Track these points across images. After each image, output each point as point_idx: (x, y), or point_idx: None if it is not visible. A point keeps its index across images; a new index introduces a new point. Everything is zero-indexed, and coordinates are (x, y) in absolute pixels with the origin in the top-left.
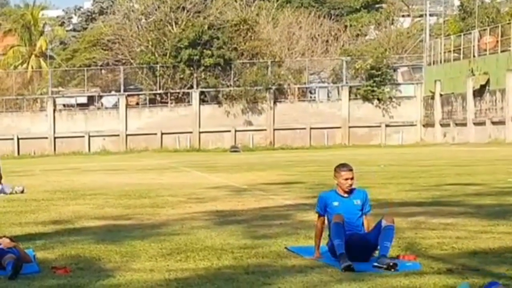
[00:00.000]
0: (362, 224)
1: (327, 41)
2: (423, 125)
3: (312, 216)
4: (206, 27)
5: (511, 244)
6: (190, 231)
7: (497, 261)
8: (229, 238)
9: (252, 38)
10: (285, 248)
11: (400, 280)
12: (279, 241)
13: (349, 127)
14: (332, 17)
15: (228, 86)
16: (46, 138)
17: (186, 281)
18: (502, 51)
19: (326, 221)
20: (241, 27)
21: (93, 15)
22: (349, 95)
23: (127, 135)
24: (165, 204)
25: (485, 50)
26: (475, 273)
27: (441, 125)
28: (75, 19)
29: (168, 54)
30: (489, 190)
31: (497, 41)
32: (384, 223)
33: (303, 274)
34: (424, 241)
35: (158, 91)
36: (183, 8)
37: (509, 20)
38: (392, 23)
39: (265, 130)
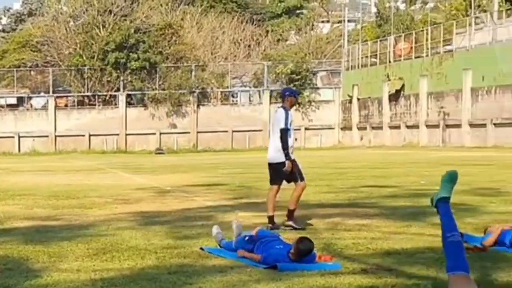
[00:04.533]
0: None
1: (249, 45)
2: (341, 128)
3: (232, 217)
4: (132, 30)
5: (423, 245)
6: (116, 231)
7: (409, 261)
8: (153, 239)
9: (177, 42)
10: (201, 248)
11: (317, 280)
12: (201, 241)
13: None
14: (254, 22)
15: (153, 89)
16: None
17: (111, 281)
18: (416, 57)
19: None
20: (166, 31)
21: (22, 17)
22: (270, 99)
23: (56, 136)
24: (93, 205)
25: (400, 56)
26: (389, 273)
27: (358, 128)
28: (4, 20)
29: (95, 57)
30: (403, 192)
31: (411, 48)
32: None
33: (223, 274)
34: (340, 241)
35: (86, 93)
36: (110, 12)
37: (423, 27)
38: (312, 29)
39: (189, 133)
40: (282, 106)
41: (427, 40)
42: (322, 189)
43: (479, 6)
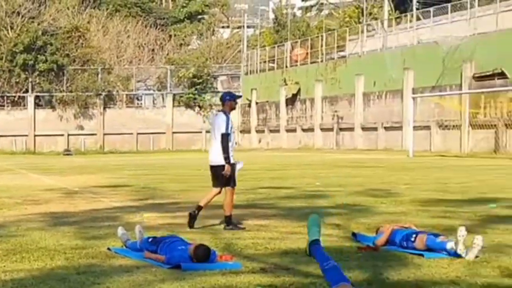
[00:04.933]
0: None
1: (153, 49)
2: (241, 131)
3: (137, 218)
4: (40, 32)
5: (340, 245)
6: (25, 232)
7: (306, 260)
8: (62, 239)
9: (84, 45)
10: (108, 249)
11: (218, 279)
12: (108, 242)
13: (173, 132)
14: (158, 27)
15: (61, 91)
16: None
17: (21, 282)
18: (311, 63)
19: None
20: (73, 34)
21: None
22: (173, 102)
23: None
24: (2, 205)
25: (297, 61)
26: (286, 272)
27: (256, 131)
28: None
29: (4, 58)
30: (299, 193)
31: (307, 53)
32: None
33: (129, 274)
34: (239, 241)
35: None
36: (18, 13)
37: (318, 33)
38: (213, 34)
39: (96, 134)
40: (222, 110)
41: (322, 46)
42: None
43: (370, 14)
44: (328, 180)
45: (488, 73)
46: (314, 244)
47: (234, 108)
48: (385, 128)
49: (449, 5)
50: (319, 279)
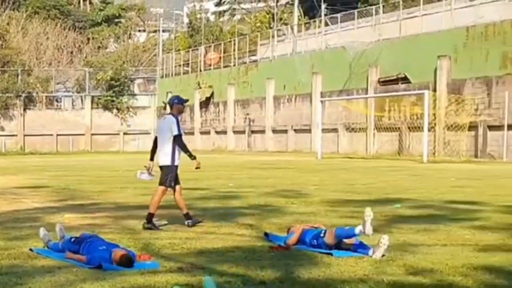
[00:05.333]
0: None
1: (71, 52)
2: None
3: (58, 219)
4: None
5: (232, 244)
6: None
7: (221, 259)
8: None
9: (3, 46)
10: (30, 249)
11: (137, 279)
12: (30, 242)
13: (92, 134)
14: (76, 30)
15: None
16: None
17: None
18: (224, 67)
19: None
20: None
21: None
22: (92, 104)
23: None
24: None
25: (210, 65)
26: (202, 271)
27: None
28: None
29: None
30: (213, 194)
31: (220, 57)
32: None
33: (51, 274)
34: (157, 241)
35: None
36: None
37: (231, 38)
38: (130, 37)
39: (16, 135)
40: (170, 113)
41: (234, 50)
42: (141, 192)
43: (281, 19)
44: (240, 181)
45: (392, 78)
46: None
47: (182, 111)
48: (295, 130)
49: (355, 11)
50: (233, 278)
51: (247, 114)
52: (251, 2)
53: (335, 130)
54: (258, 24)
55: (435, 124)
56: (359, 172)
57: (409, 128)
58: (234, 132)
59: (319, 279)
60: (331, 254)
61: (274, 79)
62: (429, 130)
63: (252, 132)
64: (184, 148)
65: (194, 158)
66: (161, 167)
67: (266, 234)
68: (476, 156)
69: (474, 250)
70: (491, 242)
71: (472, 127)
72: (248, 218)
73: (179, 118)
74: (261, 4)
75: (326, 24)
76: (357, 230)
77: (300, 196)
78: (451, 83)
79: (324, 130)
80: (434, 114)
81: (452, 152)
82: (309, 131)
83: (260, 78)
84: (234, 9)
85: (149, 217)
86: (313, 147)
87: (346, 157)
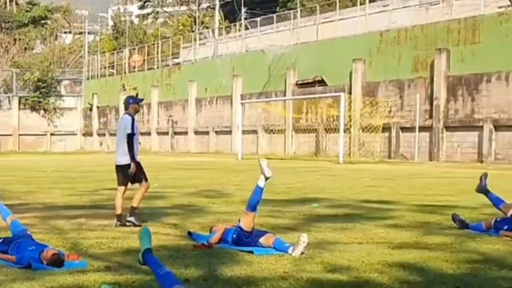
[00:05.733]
0: None
1: None
2: (83, 134)
3: None
4: None
5: (157, 243)
6: None
7: None
8: None
9: None
10: None
11: (66, 278)
12: None
13: (19, 135)
14: (3, 30)
15: None
16: None
17: None
18: (148, 69)
19: None
20: None
21: None
22: (19, 105)
23: None
24: None
25: (134, 67)
26: (129, 270)
27: (98, 134)
28: None
29: None
30: None
31: (144, 60)
32: None
33: None
34: (85, 241)
35: None
36: None
37: (154, 41)
38: (56, 39)
39: None
40: (127, 113)
41: (158, 53)
42: (68, 192)
43: (202, 23)
44: (164, 181)
45: (309, 81)
46: (147, 253)
47: (138, 111)
48: (216, 132)
49: (274, 15)
50: None
51: (170, 116)
52: (174, 6)
53: (254, 131)
54: (180, 28)
55: (350, 125)
56: (278, 172)
57: (325, 129)
58: (158, 133)
59: (240, 277)
60: (252, 252)
61: (196, 82)
62: (344, 132)
63: (175, 133)
64: (131, 148)
65: (133, 161)
66: (121, 166)
67: (189, 233)
68: (389, 156)
69: (388, 247)
70: (404, 240)
71: (386, 128)
72: (172, 217)
73: (136, 118)
74: (183, 8)
75: (246, 28)
76: (290, 249)
77: (221, 196)
78: (365, 86)
79: (244, 132)
80: (350, 116)
81: (366, 153)
82: (229, 132)
83: (182, 80)
84: (157, 12)
85: (132, 211)
86: (234, 148)
87: (265, 157)
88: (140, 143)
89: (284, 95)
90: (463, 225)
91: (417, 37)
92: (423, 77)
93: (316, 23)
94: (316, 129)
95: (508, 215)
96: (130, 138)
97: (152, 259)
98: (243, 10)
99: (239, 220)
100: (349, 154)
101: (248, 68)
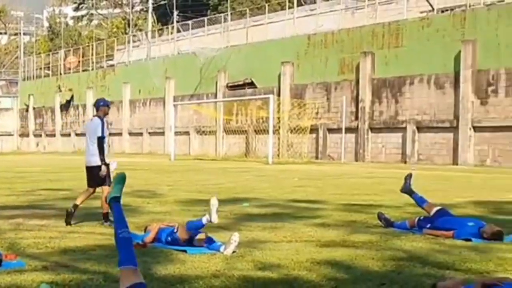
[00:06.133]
0: None
1: None
2: (20, 135)
3: None
4: None
5: (93, 243)
6: None
7: (83, 257)
8: None
9: None
10: None
11: (4, 278)
12: None
13: None
14: None
15: None
16: None
17: None
18: (83, 70)
19: None
20: None
21: None
22: None
23: None
24: None
25: (70, 69)
26: (66, 269)
27: (34, 135)
28: None
29: None
30: (75, 195)
31: (79, 61)
32: None
33: None
34: (22, 241)
35: None
36: None
37: (89, 42)
38: None
39: None
40: (96, 116)
41: (92, 55)
42: (5, 192)
43: (136, 25)
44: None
45: (239, 83)
46: (114, 200)
47: (107, 113)
48: (150, 133)
49: (205, 19)
50: (96, 275)
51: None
52: (108, 8)
53: (187, 133)
54: (114, 30)
55: (279, 127)
56: (210, 173)
57: (255, 131)
58: None
59: (174, 275)
60: (185, 251)
61: (130, 83)
62: (273, 133)
63: (110, 134)
64: (101, 151)
65: (103, 164)
66: (90, 168)
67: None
68: (317, 157)
69: (317, 246)
70: (332, 238)
71: (313, 130)
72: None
73: (105, 120)
74: (117, 10)
75: (178, 31)
76: (204, 219)
77: (155, 196)
78: (293, 88)
79: (176, 133)
80: (278, 118)
81: (295, 154)
82: (162, 133)
83: (117, 82)
84: (92, 14)
85: (105, 216)
86: (167, 149)
87: (197, 158)
88: (109, 145)
89: (215, 97)
90: (388, 223)
91: (343, 40)
92: (349, 80)
93: (246, 27)
94: (246, 131)
95: (431, 214)
96: (101, 141)
97: (118, 210)
98: (175, 13)
99: (177, 229)
100: (278, 155)
101: (180, 70)
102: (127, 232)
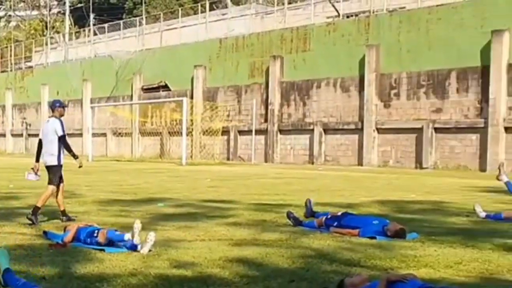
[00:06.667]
0: None
1: None
2: None
3: None
4: None
5: (14, 242)
6: None
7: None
8: None
9: None
10: None
11: None
12: None
13: None
14: None
15: None
16: None
17: None
18: (2, 72)
19: None
20: None
21: None
22: None
23: None
24: None
25: None
26: None
27: None
28: None
29: None
30: None
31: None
32: None
33: None
34: None
35: None
36: None
37: (7, 44)
38: None
39: None
40: (53, 116)
41: (11, 56)
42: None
43: (53, 27)
44: (20, 183)
45: (154, 86)
46: (6, 273)
47: (63, 114)
48: (68, 134)
49: (121, 22)
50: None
51: (24, 118)
52: (26, 10)
53: (104, 134)
54: (32, 32)
55: (192, 129)
56: (126, 174)
57: (169, 133)
58: (12, 135)
59: (93, 274)
60: (104, 250)
61: (48, 85)
62: (187, 135)
63: (29, 135)
64: (68, 148)
65: (77, 157)
66: (48, 167)
67: (45, 233)
68: (228, 158)
69: (229, 244)
70: (243, 237)
71: (225, 132)
72: None
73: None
74: (35, 12)
75: (95, 34)
76: (126, 237)
77: (74, 196)
78: (206, 91)
79: (94, 135)
80: (192, 120)
81: (207, 155)
82: (81, 135)
83: (35, 83)
84: (10, 15)
85: (35, 210)
86: (85, 150)
87: (114, 159)
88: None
89: (131, 99)
90: (297, 222)
91: (253, 44)
92: (259, 83)
93: (160, 30)
94: (160, 132)
95: (339, 213)
96: (64, 139)
97: (11, 277)
98: (92, 16)
99: (97, 233)
100: (191, 156)
101: (97, 72)
102: (22, 280)
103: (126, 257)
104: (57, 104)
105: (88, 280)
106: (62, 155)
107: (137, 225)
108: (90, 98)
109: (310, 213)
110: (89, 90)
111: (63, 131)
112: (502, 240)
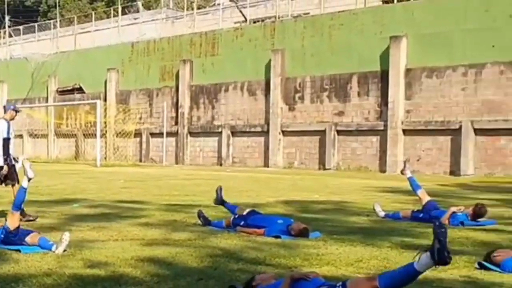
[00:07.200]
0: None
1: None
2: None
3: None
4: None
5: None
6: None
7: None
8: None
9: None
10: None
11: None
12: None
13: None
14: None
15: None
16: None
17: None
18: None
19: None
20: None
21: None
22: None
23: None
24: None
25: None
26: None
27: None
28: None
29: None
30: None
31: None
32: None
33: None
34: None
35: None
36: None
37: None
38: None
39: None
40: (3, 118)
41: None
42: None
43: None
44: None
45: (68, 88)
46: None
47: (14, 118)
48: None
49: (36, 24)
50: None
51: None
52: None
53: (20, 136)
54: None
55: (106, 131)
56: (42, 175)
57: (84, 134)
58: None
59: (9, 274)
60: (19, 251)
61: None
62: (101, 137)
63: None
64: (6, 151)
65: (6, 164)
66: None
67: None
68: (141, 160)
69: (141, 244)
70: (154, 237)
71: (137, 134)
72: None
73: (11, 123)
74: None
75: (10, 35)
76: (54, 247)
77: None
78: (119, 93)
79: None
80: (105, 122)
81: (121, 157)
82: (20, 137)
83: None
84: None
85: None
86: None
87: (30, 161)
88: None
89: (46, 101)
90: (206, 222)
91: (164, 48)
92: (169, 86)
93: (74, 33)
94: (75, 134)
95: (245, 213)
96: (6, 142)
97: None
98: (7, 18)
99: (5, 220)
100: (105, 158)
101: (13, 74)
102: None
103: (41, 257)
104: (11, 107)
105: (3, 281)
106: (10, 157)
107: (66, 237)
108: (6, 100)
109: (220, 201)
110: (5, 92)
111: (8, 133)
112: (400, 238)
